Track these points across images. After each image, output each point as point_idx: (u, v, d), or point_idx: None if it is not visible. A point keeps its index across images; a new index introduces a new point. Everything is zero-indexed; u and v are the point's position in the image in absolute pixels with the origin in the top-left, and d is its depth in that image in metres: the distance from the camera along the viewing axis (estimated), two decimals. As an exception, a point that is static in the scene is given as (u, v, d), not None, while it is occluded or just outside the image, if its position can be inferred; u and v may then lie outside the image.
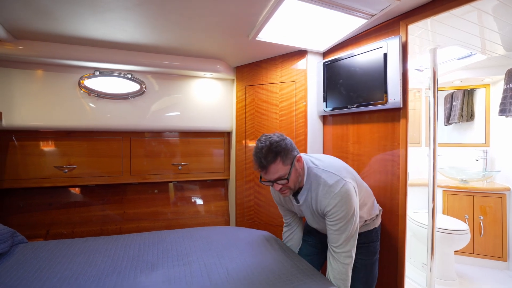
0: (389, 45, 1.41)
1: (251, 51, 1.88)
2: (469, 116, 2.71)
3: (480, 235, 2.31)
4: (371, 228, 1.32)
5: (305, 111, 1.84)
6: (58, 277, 1.09)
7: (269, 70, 2.02)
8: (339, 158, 1.37)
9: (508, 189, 2.27)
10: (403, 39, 1.40)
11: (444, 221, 2.18)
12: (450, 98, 2.84)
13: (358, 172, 1.49)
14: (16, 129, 1.83)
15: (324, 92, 1.78)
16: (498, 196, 2.28)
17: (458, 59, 2.20)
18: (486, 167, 2.51)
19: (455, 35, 1.67)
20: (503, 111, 2.17)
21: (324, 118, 1.92)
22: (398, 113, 1.46)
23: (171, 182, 2.34)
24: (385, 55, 1.42)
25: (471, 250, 2.35)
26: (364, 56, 1.54)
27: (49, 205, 2.06)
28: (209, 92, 2.25)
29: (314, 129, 1.88)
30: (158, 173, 2.19)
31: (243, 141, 2.16)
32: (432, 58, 2.00)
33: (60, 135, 1.98)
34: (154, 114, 2.09)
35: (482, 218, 2.31)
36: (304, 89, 1.83)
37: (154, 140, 2.21)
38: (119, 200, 2.18)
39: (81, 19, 1.39)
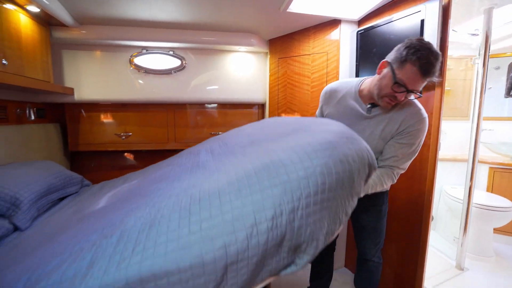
0: (428, 9, 1.33)
1: (283, 23, 1.90)
2: (533, 86, 2.41)
3: (528, 214, 2.16)
4: (384, 190, 1.33)
5: (337, 82, 1.85)
6: (128, 187, 1.26)
7: (301, 41, 2.02)
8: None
9: None
10: (445, 1, 1.30)
11: (485, 198, 2.09)
12: (513, 65, 2.52)
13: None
14: (84, 102, 2.18)
15: (356, 61, 1.75)
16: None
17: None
18: (545, 144, 2.27)
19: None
20: None
21: None
22: (433, 82, 1.40)
23: (210, 150, 2.58)
24: (422, 21, 1.35)
25: (514, 229, 2.23)
26: (400, 22, 1.47)
27: (112, 167, 2.46)
28: (244, 65, 2.35)
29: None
30: (198, 141, 2.43)
31: (276, 113, 2.26)
32: (486, 19, 1.81)
33: (117, 107, 2.29)
34: (194, 87, 2.28)
35: (532, 197, 2.15)
36: (336, 60, 1.83)
37: (194, 111, 2.43)
38: (167, 164, 2.50)
39: (130, 3, 1.57)
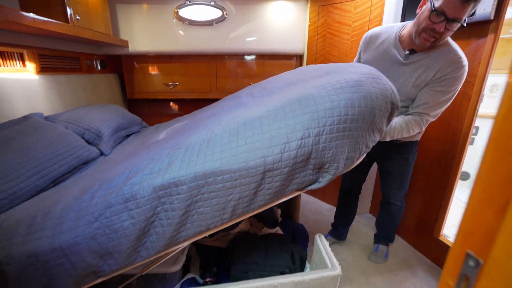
0: None
1: (327, -35, 1.81)
2: None
3: None
4: (413, 140, 1.38)
5: (379, 31, 1.79)
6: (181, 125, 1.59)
7: (345, -15, 1.93)
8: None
9: None
10: None
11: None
12: None
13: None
14: (137, 54, 2.41)
15: (403, 7, 1.67)
16: None
17: None
18: None
19: None
20: None
21: (401, 38, 1.84)
22: (487, 27, 1.31)
23: (248, 100, 2.74)
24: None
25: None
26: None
27: (161, 113, 2.77)
28: (283, 15, 2.33)
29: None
30: (238, 91, 2.60)
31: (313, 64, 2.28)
32: None
33: (164, 58, 2.50)
34: (233, 39, 2.36)
35: None
36: (381, 6, 1.75)
37: (234, 62, 2.54)
38: (209, 112, 2.75)
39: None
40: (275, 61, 2.55)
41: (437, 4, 0.98)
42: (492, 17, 1.25)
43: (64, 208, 0.81)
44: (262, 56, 2.53)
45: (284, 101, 0.90)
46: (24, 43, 1.48)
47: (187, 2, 2.23)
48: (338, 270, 1.01)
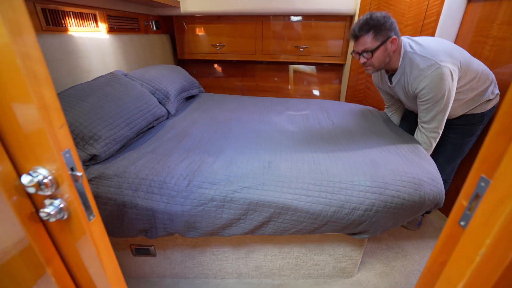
0: None
1: None
2: None
3: None
4: (477, 112, 1.34)
5: (445, -15, 1.61)
6: (226, 109, 1.83)
7: None
8: (475, 43, 1.41)
9: None
10: None
11: None
12: None
13: (492, 59, 1.41)
14: (186, 15, 2.50)
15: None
16: None
17: None
18: None
19: None
20: None
21: (471, -6, 1.64)
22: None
23: (293, 63, 2.73)
24: None
25: None
26: None
27: (209, 74, 2.92)
28: (336, -32, 2.18)
29: (452, 8, 1.67)
30: (282, 54, 2.60)
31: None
32: None
33: (212, 19, 2.56)
34: (282, -3, 2.30)
35: None
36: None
37: (280, 24, 2.51)
38: (253, 74, 2.82)
39: None
40: (323, 22, 2.45)
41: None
42: None
43: (177, 182, 1.03)
44: (309, 17, 2.45)
45: (361, 171, 1.10)
46: (96, 5, 1.67)
47: (237, -41, 2.19)
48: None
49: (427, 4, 1.73)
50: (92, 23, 1.66)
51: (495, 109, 1.38)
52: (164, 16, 2.53)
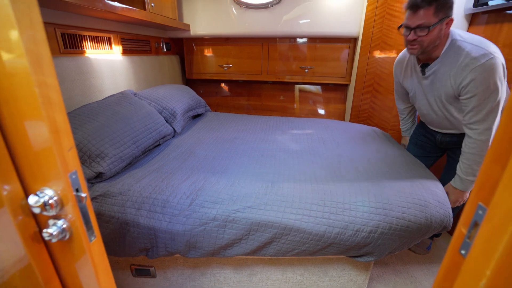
0: None
1: None
2: None
3: None
4: None
5: (446, 10, 1.66)
6: (232, 128, 1.86)
7: (412, -39, 1.80)
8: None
9: None
10: None
11: None
12: None
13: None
14: (196, 37, 2.62)
15: (477, -16, 1.52)
16: None
17: None
18: None
19: None
20: None
21: (473, 18, 1.68)
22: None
23: (298, 83, 2.79)
24: None
25: None
26: None
27: (216, 93, 3.00)
28: (340, -6, 2.27)
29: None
30: (288, 74, 2.66)
31: (368, 50, 2.21)
32: None
33: (220, 41, 2.66)
34: (287, 22, 2.39)
35: None
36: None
37: (286, 45, 2.59)
38: (259, 94, 2.87)
39: None
40: (328, 45, 2.52)
41: (404, 22, 1.16)
42: None
43: (179, 201, 1.03)
44: (314, 39, 2.53)
45: (365, 191, 1.09)
46: (111, 29, 1.77)
47: (245, -14, 2.32)
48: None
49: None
50: (107, 45, 1.75)
51: None
52: (175, 38, 2.65)
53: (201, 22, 2.50)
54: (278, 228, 0.98)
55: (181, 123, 1.80)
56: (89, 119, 1.20)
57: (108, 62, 1.72)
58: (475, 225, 0.38)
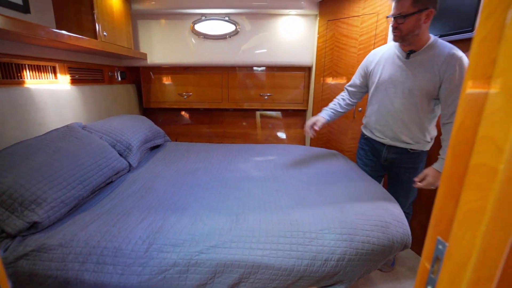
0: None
1: (335, -17, 1.92)
2: None
3: None
4: (425, 149, 1.42)
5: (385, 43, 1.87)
6: (193, 159, 1.79)
7: (352, 2, 2.03)
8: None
9: None
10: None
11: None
12: None
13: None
14: (154, 66, 2.56)
15: (408, 23, 1.74)
16: None
17: None
18: None
19: None
20: None
21: (406, 51, 1.91)
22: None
23: (258, 109, 2.84)
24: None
25: None
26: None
27: (176, 122, 2.91)
28: (293, 29, 2.44)
29: (393, 63, 1.92)
30: (248, 101, 2.71)
31: (321, 78, 2.37)
32: None
33: (179, 70, 2.64)
34: (246, 51, 2.49)
35: None
36: (387, 21, 1.83)
37: (245, 74, 2.66)
38: (220, 121, 2.86)
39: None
40: (285, 73, 2.65)
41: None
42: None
43: (134, 247, 0.92)
44: (272, 68, 2.65)
45: (330, 218, 1.09)
46: (56, 57, 1.64)
47: (203, 18, 2.37)
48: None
49: (372, 60, 1.97)
50: (51, 75, 1.61)
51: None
52: (131, 67, 2.56)
53: (159, 51, 2.47)
54: (245, 267, 0.92)
55: (137, 156, 1.67)
56: (23, 159, 1.05)
57: (52, 93, 1.57)
58: (437, 259, 0.38)
